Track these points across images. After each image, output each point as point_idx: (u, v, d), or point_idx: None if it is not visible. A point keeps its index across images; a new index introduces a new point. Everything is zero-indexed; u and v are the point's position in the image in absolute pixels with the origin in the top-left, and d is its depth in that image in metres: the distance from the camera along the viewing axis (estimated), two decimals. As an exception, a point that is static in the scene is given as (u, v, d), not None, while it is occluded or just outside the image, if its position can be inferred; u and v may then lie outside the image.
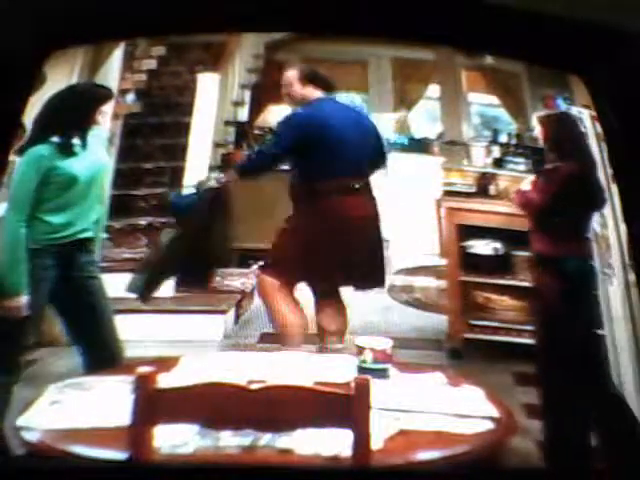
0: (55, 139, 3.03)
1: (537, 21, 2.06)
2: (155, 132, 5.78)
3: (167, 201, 4.93)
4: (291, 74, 3.80)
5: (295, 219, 3.83)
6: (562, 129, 3.55)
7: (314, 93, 3.75)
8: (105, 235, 4.51)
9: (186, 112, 5.77)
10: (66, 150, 3.05)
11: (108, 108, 3.27)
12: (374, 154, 3.83)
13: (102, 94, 3.26)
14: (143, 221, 5.18)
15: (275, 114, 6.62)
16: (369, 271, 3.78)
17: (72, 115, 3.11)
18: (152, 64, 5.82)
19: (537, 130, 3.56)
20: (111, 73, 4.56)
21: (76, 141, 3.07)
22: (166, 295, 4.20)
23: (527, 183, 3.61)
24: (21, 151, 3.05)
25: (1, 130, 2.09)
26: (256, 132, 6.60)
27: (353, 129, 3.70)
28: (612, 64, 2.08)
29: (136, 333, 3.83)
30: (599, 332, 3.52)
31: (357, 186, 3.71)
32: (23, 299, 2.98)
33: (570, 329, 3.37)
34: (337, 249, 3.67)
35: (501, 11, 2.05)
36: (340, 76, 7.66)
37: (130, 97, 5.43)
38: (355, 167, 3.70)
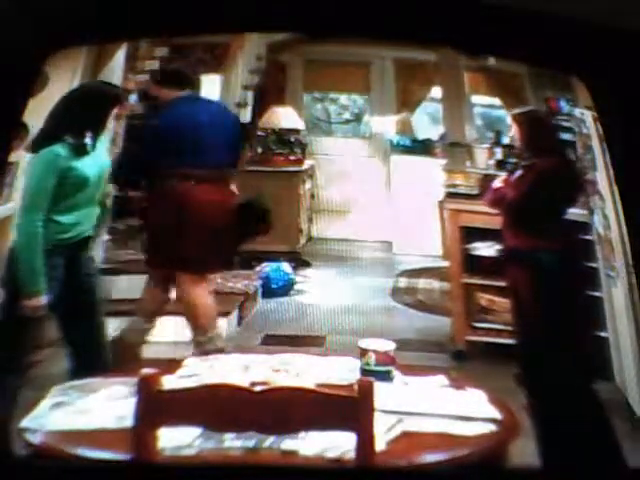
0: (70, 139, 3.04)
1: (537, 21, 2.07)
2: None
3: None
4: (144, 78, 3.85)
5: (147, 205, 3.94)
6: (537, 126, 3.57)
7: (170, 94, 3.78)
8: (108, 236, 4.60)
9: None
10: (80, 150, 3.06)
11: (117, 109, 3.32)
12: (231, 146, 3.89)
13: (116, 95, 3.31)
14: (146, 223, 5.14)
15: (278, 115, 6.69)
16: (208, 255, 3.78)
17: (88, 115, 3.13)
18: (155, 65, 5.65)
19: (513, 128, 3.58)
20: (114, 74, 4.55)
21: (88, 142, 3.09)
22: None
23: (498, 181, 3.64)
24: (33, 148, 3.09)
25: (1, 130, 2.11)
26: (259, 133, 6.62)
27: (209, 124, 3.76)
28: (612, 64, 2.08)
29: None
30: (576, 324, 3.51)
31: (207, 174, 3.77)
32: (43, 299, 3.01)
33: (546, 322, 3.38)
34: (173, 233, 3.72)
35: (500, 12, 2.06)
36: (342, 77, 7.73)
37: (133, 98, 5.38)
38: (207, 158, 3.75)
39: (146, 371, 1.88)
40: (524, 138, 3.55)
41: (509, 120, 7.00)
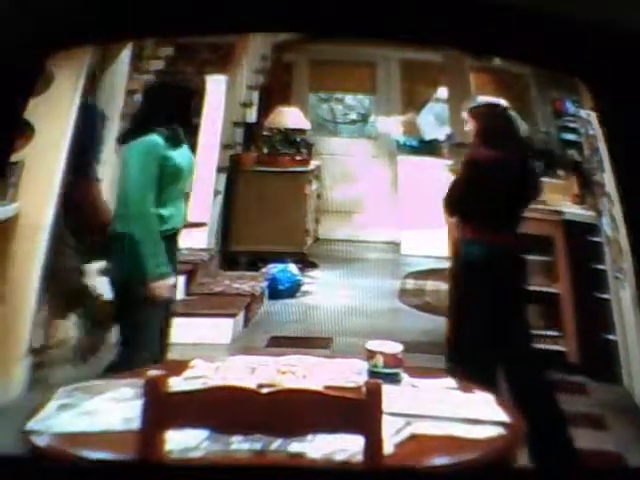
0: (163, 130, 3.14)
1: (537, 21, 2.05)
2: None
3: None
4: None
5: None
6: (491, 120, 3.56)
7: None
8: None
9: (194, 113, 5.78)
10: (174, 141, 3.18)
11: None
12: None
13: (197, 89, 3.47)
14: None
15: (284, 115, 6.69)
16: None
17: (180, 107, 3.25)
18: (160, 65, 5.68)
19: (468, 124, 3.56)
20: (119, 74, 4.58)
21: (181, 133, 3.22)
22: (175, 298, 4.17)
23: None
24: (125, 138, 3.23)
25: (3, 130, 2.09)
26: (264, 133, 6.63)
27: None
28: (613, 65, 2.05)
29: None
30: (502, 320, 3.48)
31: None
32: (172, 279, 3.19)
33: (473, 314, 3.40)
34: None
35: (500, 12, 2.04)
36: (348, 77, 7.75)
37: (138, 97, 5.38)
38: None
39: (153, 373, 1.88)
40: (477, 132, 3.53)
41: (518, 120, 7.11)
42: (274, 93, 7.09)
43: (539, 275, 4.42)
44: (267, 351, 4.32)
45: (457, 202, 3.54)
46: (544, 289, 4.42)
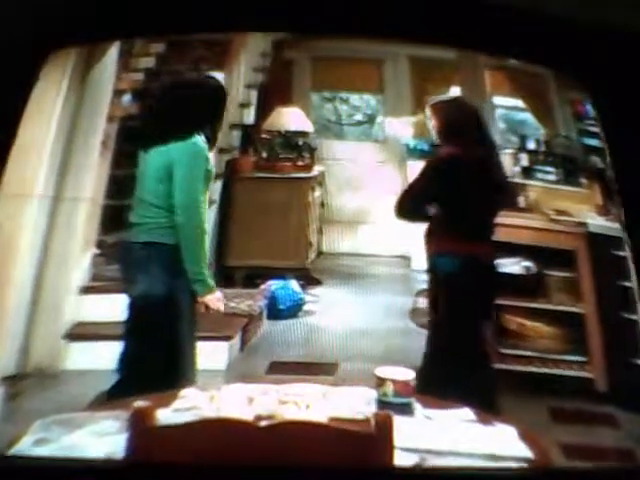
0: (204, 131, 3.36)
1: (537, 21, 2.18)
2: None
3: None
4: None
5: None
6: (453, 116, 3.62)
7: None
8: (96, 250, 4.62)
9: None
10: (211, 144, 3.41)
11: None
12: None
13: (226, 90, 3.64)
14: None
15: (284, 116, 6.67)
16: None
17: (215, 109, 3.48)
18: (150, 62, 5.79)
19: (431, 121, 3.64)
20: (106, 72, 4.57)
21: (218, 136, 3.48)
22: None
23: None
24: (166, 137, 3.36)
25: (2, 130, 2.24)
26: (263, 136, 6.60)
27: None
28: (612, 64, 2.18)
29: None
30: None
31: None
32: (219, 293, 3.40)
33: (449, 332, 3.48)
34: None
35: (500, 11, 2.17)
36: (354, 75, 7.72)
37: (126, 98, 5.40)
38: None
39: (138, 404, 1.85)
40: (439, 128, 3.58)
41: (534, 123, 7.10)
42: (274, 92, 7.07)
43: (561, 293, 4.46)
44: (266, 378, 4.28)
45: (413, 206, 3.58)
46: (567, 309, 4.43)
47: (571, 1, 2.19)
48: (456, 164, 3.53)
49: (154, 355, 3.30)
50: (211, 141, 3.43)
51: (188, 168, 3.32)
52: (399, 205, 3.66)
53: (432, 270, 3.63)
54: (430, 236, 3.65)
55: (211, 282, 3.39)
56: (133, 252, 3.39)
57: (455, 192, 3.53)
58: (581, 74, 2.33)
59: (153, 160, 3.42)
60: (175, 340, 3.33)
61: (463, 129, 3.58)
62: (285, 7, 2.35)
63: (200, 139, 3.37)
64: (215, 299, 3.40)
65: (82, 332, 4.29)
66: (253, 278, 5.71)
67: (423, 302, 5.76)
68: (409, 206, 3.64)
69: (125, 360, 3.40)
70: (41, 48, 2.27)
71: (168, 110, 3.46)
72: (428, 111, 3.74)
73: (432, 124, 3.72)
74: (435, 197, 3.60)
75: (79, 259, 4.44)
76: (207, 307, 3.40)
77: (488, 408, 3.19)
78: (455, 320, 3.54)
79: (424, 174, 3.62)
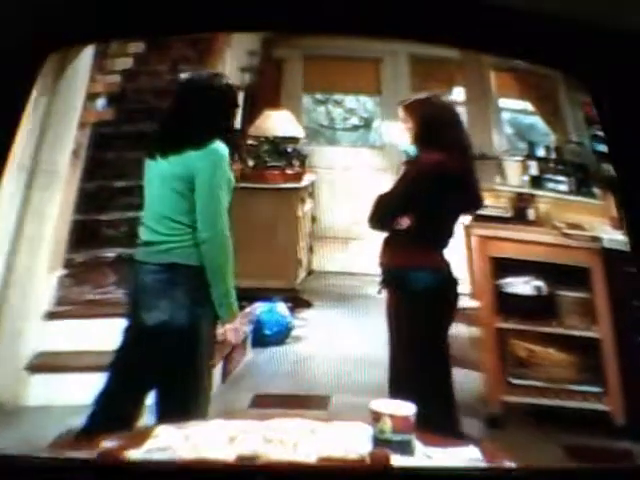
0: (223, 136, 3.35)
1: (537, 21, 2.32)
2: (130, 143, 5.59)
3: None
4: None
5: None
6: (433, 117, 3.63)
7: None
8: (64, 270, 4.54)
9: None
10: (232, 151, 3.42)
11: None
12: None
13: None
14: (111, 253, 5.03)
15: (273, 120, 6.62)
16: None
17: (231, 111, 3.51)
18: (128, 63, 5.76)
19: (406, 124, 3.65)
20: (78, 74, 4.54)
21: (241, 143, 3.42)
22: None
23: None
24: (184, 143, 3.31)
25: (2, 130, 2.36)
26: (249, 142, 6.53)
27: None
28: (612, 64, 2.32)
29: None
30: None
31: None
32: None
33: (422, 355, 3.51)
34: None
35: (501, 11, 2.30)
36: (349, 75, 7.70)
37: (100, 102, 5.35)
38: None
39: (107, 444, 1.87)
40: (416, 131, 3.61)
41: (544, 128, 7.06)
42: (262, 94, 7.05)
43: (574, 315, 4.41)
44: (250, 413, 4.23)
45: (390, 217, 3.59)
46: (581, 333, 4.38)
47: (571, 1, 2.28)
48: (440, 173, 3.56)
49: (175, 389, 3.24)
50: (232, 147, 3.42)
51: (212, 178, 3.28)
52: (375, 215, 3.70)
53: (400, 286, 3.65)
54: (396, 249, 3.68)
55: (236, 306, 3.39)
56: (148, 274, 3.30)
57: (436, 203, 3.58)
58: (582, 74, 2.49)
59: (168, 170, 3.35)
60: (195, 373, 3.28)
61: (443, 132, 3.61)
62: (281, 5, 2.46)
63: (221, 145, 3.34)
64: (233, 329, 3.40)
65: (46, 363, 4.18)
66: (238, 300, 5.62)
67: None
68: (385, 217, 3.67)
69: (136, 395, 3.33)
70: (40, 48, 2.39)
71: (183, 114, 3.40)
72: (401, 113, 3.77)
73: (407, 127, 3.75)
74: (413, 207, 3.63)
75: (44, 280, 4.35)
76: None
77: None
78: (427, 339, 3.61)
79: (404, 183, 3.64)
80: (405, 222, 3.64)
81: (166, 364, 3.26)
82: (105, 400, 3.30)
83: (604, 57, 2.34)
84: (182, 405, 3.17)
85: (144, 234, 3.42)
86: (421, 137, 3.64)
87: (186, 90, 3.53)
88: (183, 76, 4.10)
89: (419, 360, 3.55)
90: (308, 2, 2.48)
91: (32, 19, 2.33)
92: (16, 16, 2.29)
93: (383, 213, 3.66)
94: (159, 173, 3.39)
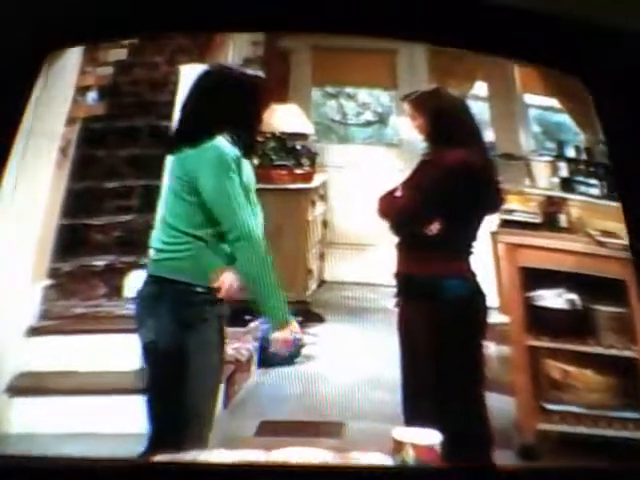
0: (224, 135, 3.32)
1: (537, 21, 2.40)
2: (122, 140, 5.62)
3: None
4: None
5: None
6: (446, 111, 3.62)
7: None
8: (48, 281, 4.44)
9: (164, 114, 5.56)
10: (245, 150, 3.40)
11: None
12: None
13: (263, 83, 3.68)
14: (101, 261, 4.94)
15: (280, 115, 6.51)
16: None
17: (241, 104, 3.47)
18: (122, 54, 5.74)
19: (408, 116, 3.66)
20: (67, 66, 4.48)
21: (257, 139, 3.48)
22: (127, 368, 3.92)
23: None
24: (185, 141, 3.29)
25: (2, 130, 2.46)
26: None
27: None
28: (612, 64, 2.41)
29: (93, 424, 3.63)
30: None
31: None
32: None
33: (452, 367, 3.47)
34: None
35: (501, 11, 2.39)
36: (362, 68, 7.61)
37: (91, 96, 5.32)
38: None
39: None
40: (427, 128, 3.59)
41: (573, 127, 6.96)
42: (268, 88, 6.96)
43: (612, 333, 4.33)
44: (255, 442, 4.12)
45: (417, 223, 3.57)
46: (619, 353, 4.30)
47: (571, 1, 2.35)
48: (467, 172, 3.55)
49: (166, 413, 3.22)
50: (246, 146, 3.39)
51: (216, 181, 3.25)
52: (402, 220, 3.70)
53: (428, 297, 3.59)
54: (422, 256, 3.65)
55: (283, 316, 3.42)
56: (145, 286, 3.33)
57: (465, 205, 3.60)
58: (582, 74, 2.56)
59: (170, 168, 3.37)
60: (187, 398, 3.22)
61: (458, 126, 3.62)
62: (281, 5, 2.56)
63: (223, 143, 3.31)
64: (285, 338, 3.42)
65: (29, 385, 4.08)
66: (240, 314, 5.42)
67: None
68: (415, 222, 3.66)
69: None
70: (40, 48, 2.48)
71: (186, 107, 3.39)
72: (408, 109, 3.76)
73: (416, 124, 3.75)
74: (443, 211, 3.62)
75: (26, 292, 4.26)
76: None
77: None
78: (461, 356, 3.60)
79: (432, 184, 3.61)
80: (435, 227, 3.60)
81: (155, 385, 3.23)
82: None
83: (604, 57, 2.41)
84: (176, 432, 3.11)
85: (153, 242, 3.42)
86: (436, 133, 3.62)
87: (196, 81, 3.50)
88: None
89: (450, 381, 3.51)
90: (307, 2, 2.56)
91: (32, 19, 2.41)
92: (16, 16, 2.38)
93: (413, 218, 3.63)
94: (167, 171, 3.40)
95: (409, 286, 3.68)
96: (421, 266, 3.62)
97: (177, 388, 3.16)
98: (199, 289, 3.25)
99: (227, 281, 3.34)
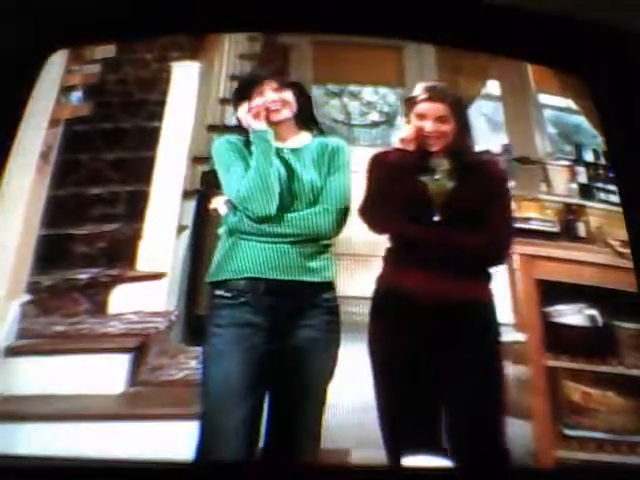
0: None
1: (537, 21, 2.51)
2: (108, 143, 5.61)
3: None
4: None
5: None
6: (466, 110, 3.56)
7: None
8: (27, 296, 4.39)
9: (154, 115, 5.66)
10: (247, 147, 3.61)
11: None
12: None
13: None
14: (85, 274, 4.87)
15: None
16: None
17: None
18: (110, 51, 5.68)
19: (426, 109, 3.48)
20: (52, 64, 4.21)
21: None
22: (113, 392, 3.87)
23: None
24: None
25: (3, 129, 2.59)
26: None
27: None
28: (612, 64, 2.51)
29: (74, 449, 3.52)
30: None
31: None
32: None
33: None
34: None
35: (501, 11, 2.49)
36: (367, 64, 7.56)
37: (76, 96, 5.29)
38: None
39: None
40: (457, 129, 3.46)
41: (590, 129, 6.91)
42: (265, 85, 6.94)
43: (634, 352, 4.32)
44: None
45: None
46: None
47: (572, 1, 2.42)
48: (505, 182, 3.61)
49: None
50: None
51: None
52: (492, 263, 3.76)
53: (460, 320, 3.60)
54: (450, 275, 3.66)
55: None
56: None
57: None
58: (582, 74, 2.68)
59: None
60: None
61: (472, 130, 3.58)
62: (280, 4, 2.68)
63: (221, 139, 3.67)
64: None
65: (6, 409, 3.96)
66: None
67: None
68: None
69: None
70: (41, 48, 2.62)
71: None
72: (434, 105, 3.57)
73: (441, 130, 3.62)
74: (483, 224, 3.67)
75: (2, 308, 4.20)
76: None
77: None
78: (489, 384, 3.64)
79: (479, 195, 3.60)
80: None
81: None
82: None
83: (604, 57, 2.50)
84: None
85: None
86: (466, 137, 3.45)
87: None
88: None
89: (473, 407, 3.52)
90: (307, 2, 2.67)
91: (33, 19, 2.53)
92: (17, 16, 2.49)
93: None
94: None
95: (433, 312, 3.74)
96: (450, 288, 3.66)
97: None
98: None
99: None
